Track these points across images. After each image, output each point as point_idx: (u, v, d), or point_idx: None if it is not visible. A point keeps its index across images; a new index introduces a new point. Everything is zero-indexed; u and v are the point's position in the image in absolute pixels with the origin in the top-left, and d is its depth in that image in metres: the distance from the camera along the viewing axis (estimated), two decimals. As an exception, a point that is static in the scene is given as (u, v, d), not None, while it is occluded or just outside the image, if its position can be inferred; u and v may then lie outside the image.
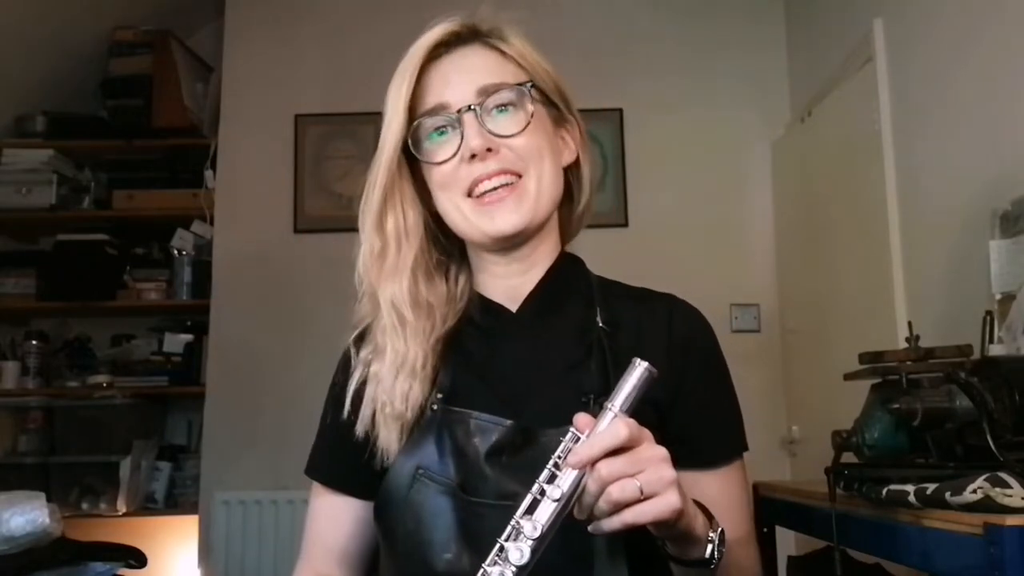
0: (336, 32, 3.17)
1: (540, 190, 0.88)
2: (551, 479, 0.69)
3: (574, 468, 0.68)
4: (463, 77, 0.89)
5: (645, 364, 0.69)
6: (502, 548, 0.68)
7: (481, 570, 0.69)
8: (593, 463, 0.67)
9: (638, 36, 3.15)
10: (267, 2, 3.23)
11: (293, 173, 3.09)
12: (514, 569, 0.67)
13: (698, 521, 0.74)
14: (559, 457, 0.70)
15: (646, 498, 0.67)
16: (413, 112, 0.88)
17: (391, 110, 0.88)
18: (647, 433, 0.69)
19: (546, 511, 0.68)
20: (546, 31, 0.97)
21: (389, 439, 0.87)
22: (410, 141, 0.89)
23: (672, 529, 0.71)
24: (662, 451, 0.69)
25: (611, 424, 0.68)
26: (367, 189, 0.91)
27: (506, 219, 0.87)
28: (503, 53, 0.91)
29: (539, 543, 0.67)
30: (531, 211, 0.88)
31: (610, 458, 0.67)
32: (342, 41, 3.15)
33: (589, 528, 0.68)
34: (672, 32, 3.17)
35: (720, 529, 0.75)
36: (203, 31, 3.44)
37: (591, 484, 0.67)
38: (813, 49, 2.91)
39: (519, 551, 0.67)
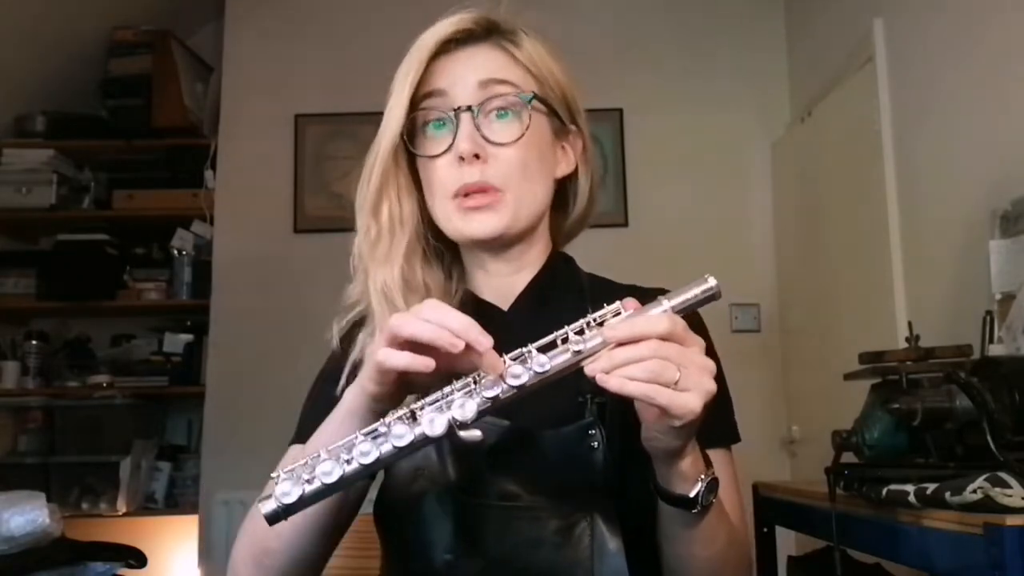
0: (336, 32, 3.17)
1: (519, 206, 0.88)
2: (579, 332, 0.68)
3: (608, 339, 0.67)
4: (467, 72, 0.88)
5: (715, 283, 0.69)
6: (504, 363, 0.67)
7: (473, 377, 0.67)
8: (620, 342, 0.66)
9: (638, 36, 3.15)
10: (267, 2, 3.22)
11: (293, 173, 3.08)
12: (505, 387, 0.66)
13: (696, 459, 0.74)
14: (595, 320, 0.69)
15: (679, 390, 0.66)
16: (414, 102, 0.88)
17: (394, 98, 0.88)
18: (696, 338, 0.68)
19: (561, 357, 0.67)
20: (546, 31, 0.97)
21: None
22: (406, 132, 0.88)
23: (673, 447, 0.71)
24: (710, 361, 0.68)
25: (658, 314, 0.68)
26: (364, 174, 0.90)
27: (483, 224, 0.87)
28: (513, 56, 0.90)
29: (539, 379, 0.67)
30: (508, 222, 0.88)
31: (663, 341, 0.66)
32: (342, 41, 3.15)
33: (597, 379, 0.66)
34: (672, 32, 3.17)
35: (713, 475, 0.74)
36: (203, 31, 3.44)
37: (632, 351, 0.65)
38: (813, 49, 2.91)
39: (517, 376, 0.66)
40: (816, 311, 2.70)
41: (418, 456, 0.84)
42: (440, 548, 0.81)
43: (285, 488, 0.63)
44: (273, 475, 0.66)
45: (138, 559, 1.99)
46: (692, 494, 0.73)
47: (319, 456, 0.65)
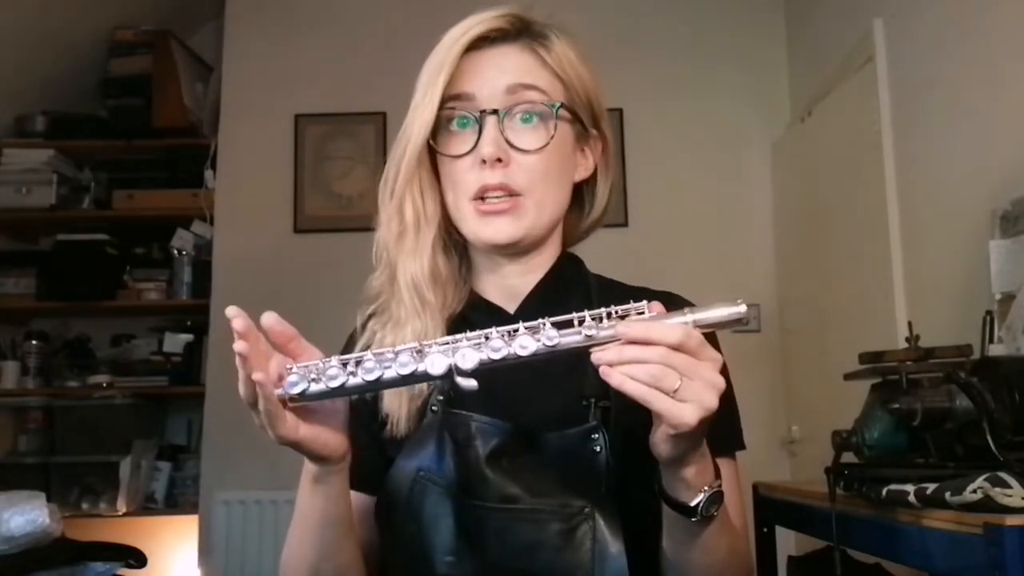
0: (336, 31, 3.17)
1: (540, 211, 0.89)
2: (598, 320, 0.70)
3: (621, 335, 0.68)
4: (496, 73, 0.88)
5: (745, 309, 0.70)
6: (516, 331, 0.70)
7: (485, 334, 0.70)
8: (632, 340, 0.67)
9: (638, 36, 3.15)
10: (267, 2, 3.22)
11: (293, 173, 3.08)
12: (510, 352, 0.69)
13: (703, 469, 0.73)
14: (616, 313, 0.70)
15: (677, 399, 0.66)
16: (441, 101, 0.87)
17: (422, 96, 0.88)
18: (713, 355, 0.68)
19: (572, 337, 0.69)
20: (578, 32, 0.96)
21: (399, 404, 0.87)
22: (431, 131, 0.88)
23: (673, 454, 0.71)
24: (720, 378, 0.68)
25: (676, 324, 0.68)
26: (388, 168, 0.91)
27: (501, 230, 0.88)
28: (543, 60, 0.90)
29: (547, 351, 0.69)
30: (527, 227, 0.88)
31: (674, 350, 0.66)
32: (342, 41, 3.15)
33: (601, 371, 0.67)
34: (672, 32, 3.17)
35: (718, 487, 0.74)
36: (203, 31, 3.45)
37: (640, 351, 0.66)
38: (813, 49, 2.91)
39: (526, 346, 0.69)
40: (816, 311, 2.70)
41: (420, 456, 0.84)
42: (441, 550, 0.81)
43: (293, 380, 0.73)
44: (288, 366, 0.74)
45: (138, 559, 1.99)
46: (693, 503, 0.73)
47: (330, 361, 0.72)
